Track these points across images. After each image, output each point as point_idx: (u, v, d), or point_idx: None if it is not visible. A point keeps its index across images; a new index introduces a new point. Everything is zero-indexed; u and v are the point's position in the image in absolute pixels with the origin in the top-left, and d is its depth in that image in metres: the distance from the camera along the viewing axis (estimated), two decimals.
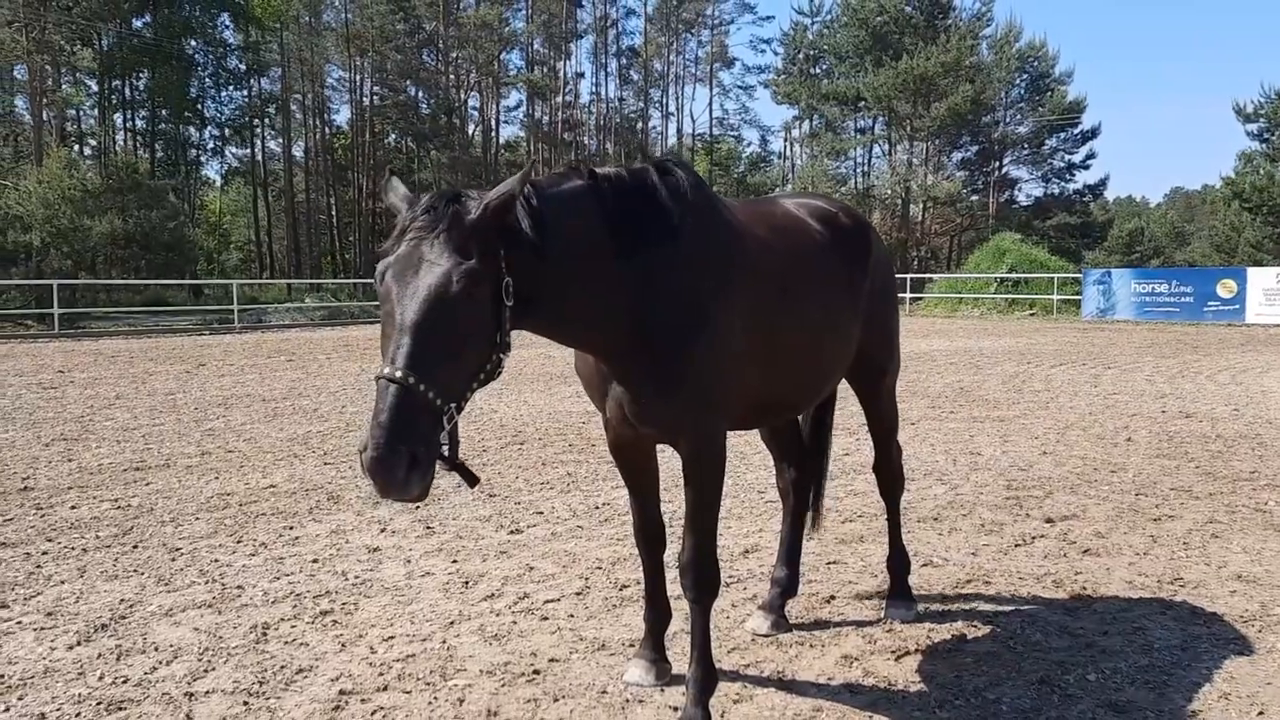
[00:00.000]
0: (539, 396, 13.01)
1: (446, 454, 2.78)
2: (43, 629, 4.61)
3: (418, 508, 6.77)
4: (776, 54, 70.24)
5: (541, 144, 63.25)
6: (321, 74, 58.13)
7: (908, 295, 39.47)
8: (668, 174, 3.46)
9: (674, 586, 3.92)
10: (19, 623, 4.69)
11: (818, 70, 63.50)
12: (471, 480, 2.93)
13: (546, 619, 4.75)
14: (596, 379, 3.58)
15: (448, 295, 2.71)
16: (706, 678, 3.57)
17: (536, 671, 4.13)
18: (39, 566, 5.58)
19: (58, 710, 3.76)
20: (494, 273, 2.84)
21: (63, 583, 5.29)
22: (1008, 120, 58.54)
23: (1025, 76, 57.94)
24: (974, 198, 58.69)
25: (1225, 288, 31.39)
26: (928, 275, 46.88)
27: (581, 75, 68.60)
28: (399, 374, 2.63)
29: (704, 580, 3.56)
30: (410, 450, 2.59)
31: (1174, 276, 34.45)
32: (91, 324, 30.79)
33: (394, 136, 61.13)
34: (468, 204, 2.84)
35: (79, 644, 4.42)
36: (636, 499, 3.94)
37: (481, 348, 2.86)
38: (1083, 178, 60.22)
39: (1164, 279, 34.13)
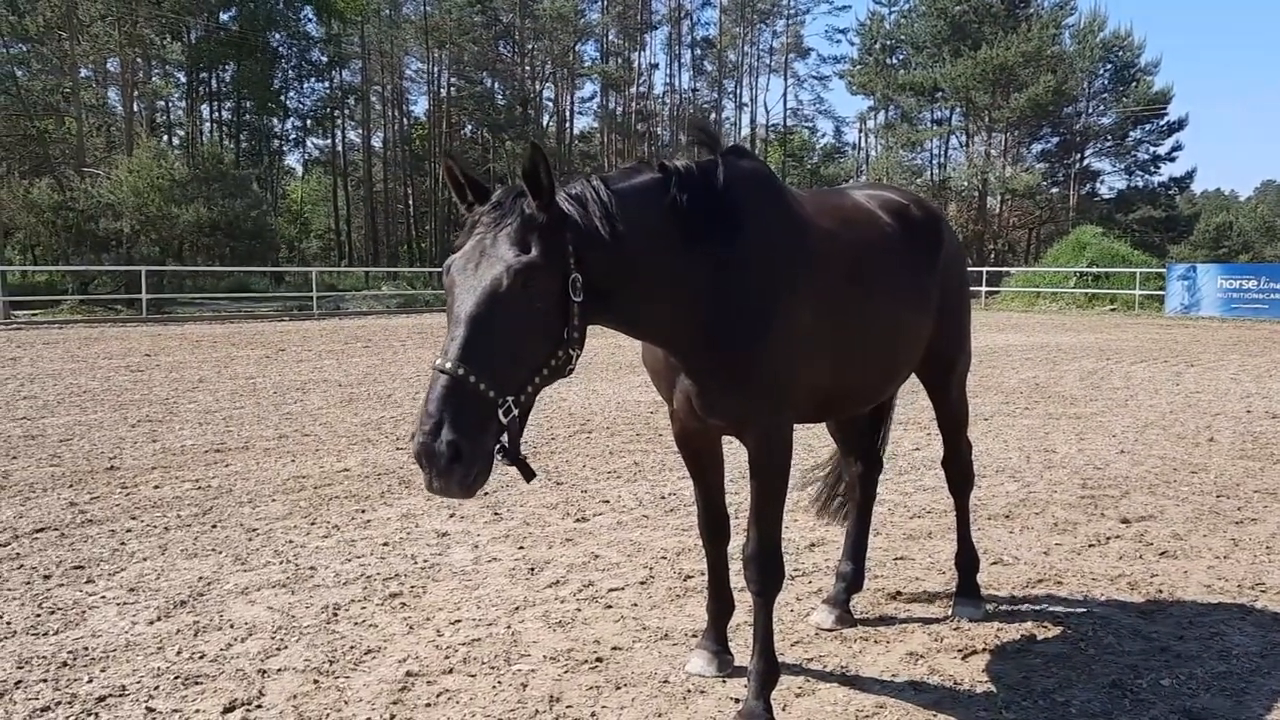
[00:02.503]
0: (608, 385, 13.07)
1: (507, 446, 2.78)
2: (125, 604, 4.77)
3: (483, 496, 6.85)
4: (852, 44, 69.45)
5: (615, 135, 63.45)
6: (400, 66, 59.07)
7: (984, 289, 38.77)
8: (736, 166, 3.43)
9: (738, 578, 3.92)
10: (103, 597, 4.86)
11: (894, 60, 62.59)
12: (528, 475, 2.91)
13: (610, 607, 4.78)
14: (664, 370, 3.58)
15: (503, 288, 2.72)
16: (769, 670, 3.56)
17: (599, 659, 4.16)
18: (123, 544, 5.77)
19: (137, 683, 3.89)
20: (560, 267, 2.85)
21: (145, 560, 5.47)
22: (1090, 111, 57.11)
23: (1109, 66, 56.44)
24: (1053, 190, 57.41)
25: None
26: (1005, 269, 45.98)
27: (656, 66, 69.27)
28: (449, 365, 2.66)
29: (768, 573, 3.54)
30: (455, 442, 2.60)
31: (1263, 272, 33.27)
32: (177, 309, 31.69)
33: (470, 127, 61.83)
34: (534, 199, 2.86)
35: (159, 619, 4.57)
36: (701, 490, 3.94)
37: (543, 343, 2.86)
38: (1168, 170, 58.64)
39: (1253, 274, 33.02)
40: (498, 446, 2.75)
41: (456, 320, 2.74)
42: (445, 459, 2.60)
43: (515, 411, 2.78)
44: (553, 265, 2.82)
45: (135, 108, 46.71)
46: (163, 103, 53.86)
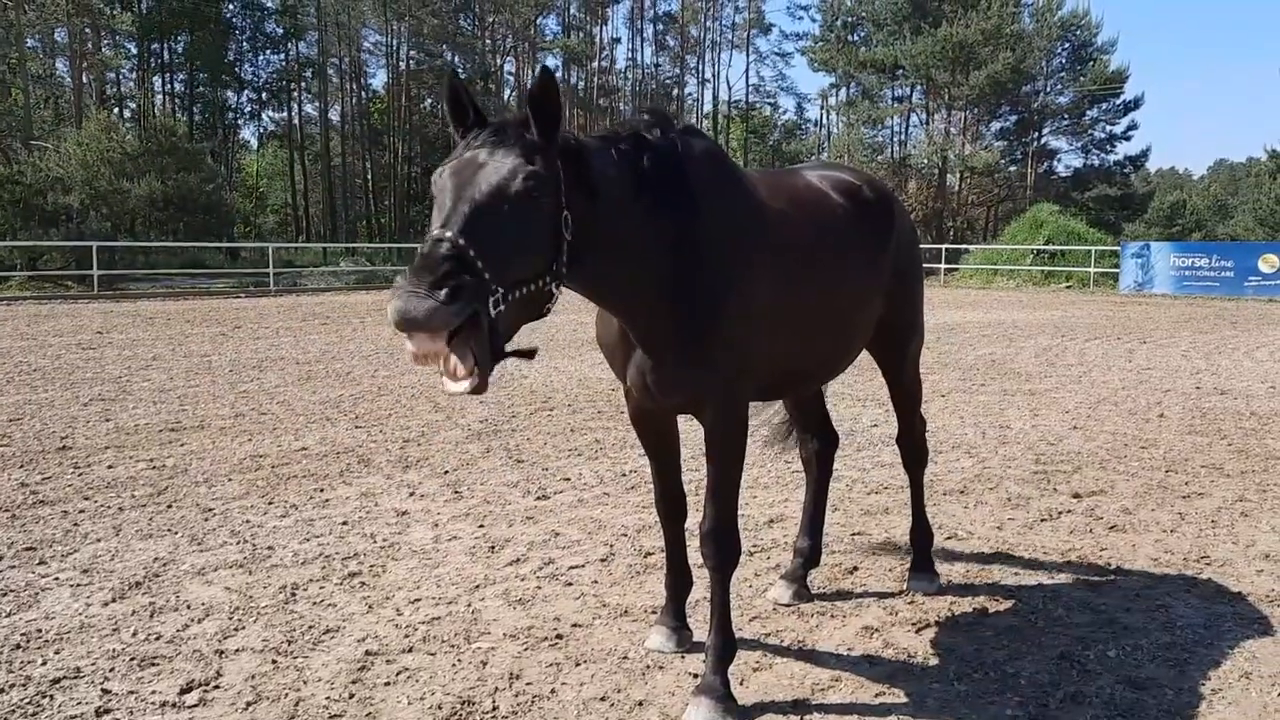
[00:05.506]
0: (569, 363, 13.05)
1: (493, 348, 2.64)
2: (79, 585, 4.72)
3: (445, 474, 6.83)
4: (814, 20, 69.66)
5: (577, 110, 63.01)
6: (358, 38, 58.19)
7: (942, 266, 39.11)
8: (691, 145, 3.44)
9: (697, 555, 3.95)
10: (56, 579, 4.81)
11: (855, 37, 62.57)
12: (529, 354, 2.85)
13: (570, 584, 4.81)
14: (620, 348, 3.58)
15: (514, 182, 2.72)
16: (725, 646, 3.60)
17: (559, 636, 4.18)
18: (76, 524, 5.71)
19: (92, 664, 3.86)
20: (557, 193, 2.85)
21: (99, 540, 5.41)
22: (1048, 90, 57.43)
23: (1067, 45, 56.74)
24: (1012, 168, 57.78)
25: (1267, 263, 30.81)
26: (963, 246, 46.33)
27: (618, 41, 68.64)
28: (450, 234, 2.60)
29: (724, 549, 3.57)
30: (448, 290, 2.47)
31: (1215, 250, 33.81)
32: (130, 285, 31.16)
33: (430, 101, 61.12)
34: (533, 128, 2.87)
35: (114, 601, 4.53)
36: (658, 469, 3.96)
37: (537, 250, 2.82)
38: (1124, 149, 59.01)
39: (1204, 253, 33.52)
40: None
41: (460, 199, 2.68)
42: (435, 299, 2.45)
43: (502, 307, 2.69)
44: (552, 185, 2.83)
45: (84, 79, 45.79)
46: (113, 74, 52.74)
